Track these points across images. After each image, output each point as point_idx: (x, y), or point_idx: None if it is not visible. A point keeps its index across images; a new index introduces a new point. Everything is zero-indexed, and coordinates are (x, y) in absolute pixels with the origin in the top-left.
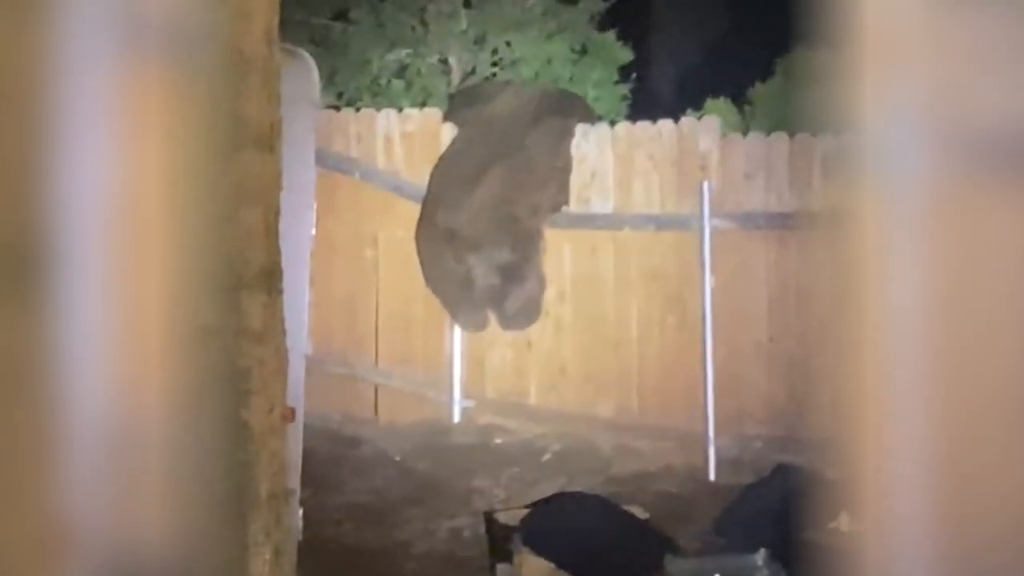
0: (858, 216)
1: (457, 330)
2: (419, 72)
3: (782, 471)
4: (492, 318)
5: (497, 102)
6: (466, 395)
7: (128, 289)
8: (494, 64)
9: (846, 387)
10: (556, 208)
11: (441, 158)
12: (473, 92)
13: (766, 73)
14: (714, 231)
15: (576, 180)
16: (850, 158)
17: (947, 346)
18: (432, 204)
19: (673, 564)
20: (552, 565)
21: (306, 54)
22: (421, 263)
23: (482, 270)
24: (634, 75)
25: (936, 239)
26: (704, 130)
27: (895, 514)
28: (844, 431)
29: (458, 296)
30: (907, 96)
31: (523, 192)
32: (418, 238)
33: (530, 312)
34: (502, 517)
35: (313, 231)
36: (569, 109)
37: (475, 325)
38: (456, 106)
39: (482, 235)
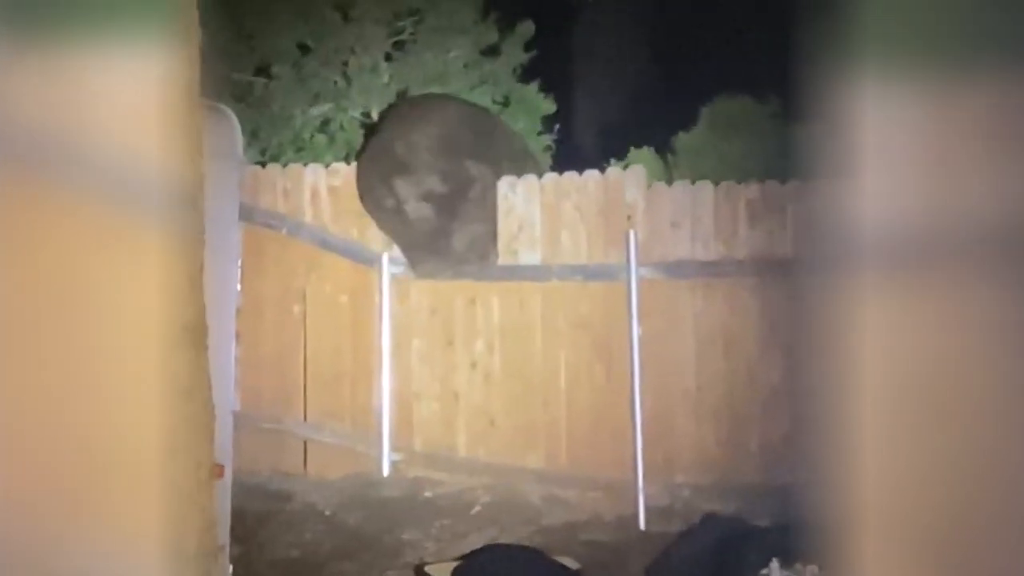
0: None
1: (385, 383)
2: (342, 126)
3: (712, 519)
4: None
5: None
6: (395, 448)
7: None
8: None
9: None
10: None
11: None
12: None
13: (689, 122)
14: (641, 280)
15: (503, 232)
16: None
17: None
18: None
19: None
20: None
21: (229, 110)
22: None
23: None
24: (557, 126)
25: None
26: (630, 180)
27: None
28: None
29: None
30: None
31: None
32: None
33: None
34: (433, 570)
35: (238, 286)
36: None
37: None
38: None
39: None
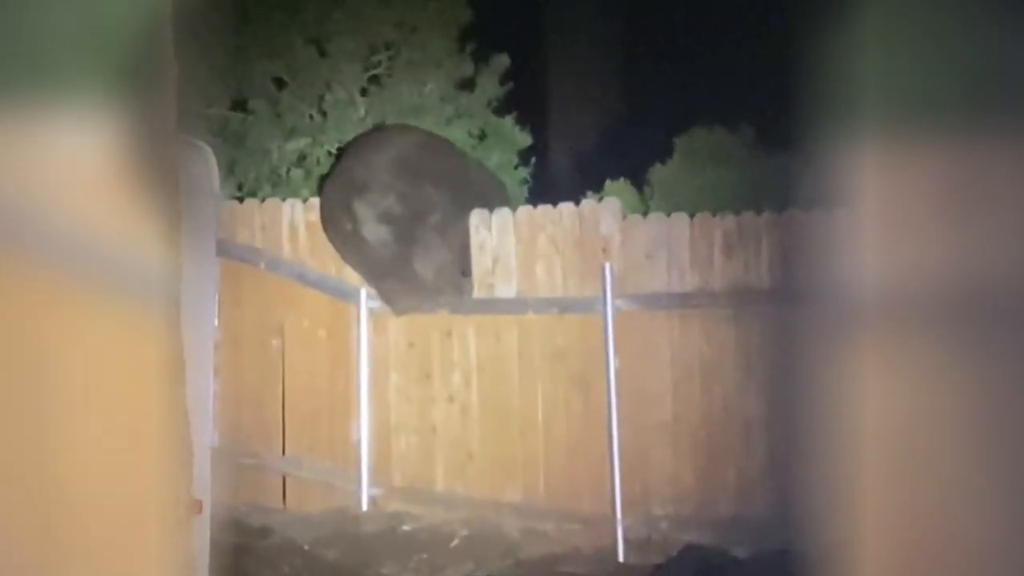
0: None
1: (364, 418)
2: (318, 161)
3: (691, 550)
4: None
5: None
6: (373, 483)
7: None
8: None
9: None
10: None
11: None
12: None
13: (664, 154)
14: (617, 313)
15: (478, 265)
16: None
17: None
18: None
19: None
20: None
21: (205, 146)
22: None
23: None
24: (533, 159)
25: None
26: (605, 212)
27: None
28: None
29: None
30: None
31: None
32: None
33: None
34: None
35: (216, 322)
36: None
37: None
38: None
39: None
